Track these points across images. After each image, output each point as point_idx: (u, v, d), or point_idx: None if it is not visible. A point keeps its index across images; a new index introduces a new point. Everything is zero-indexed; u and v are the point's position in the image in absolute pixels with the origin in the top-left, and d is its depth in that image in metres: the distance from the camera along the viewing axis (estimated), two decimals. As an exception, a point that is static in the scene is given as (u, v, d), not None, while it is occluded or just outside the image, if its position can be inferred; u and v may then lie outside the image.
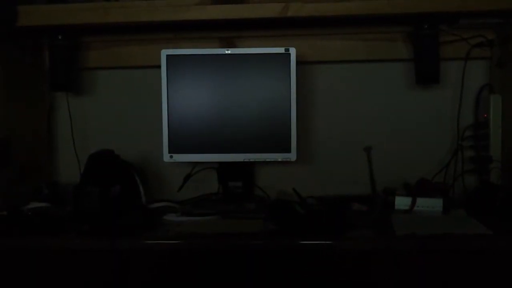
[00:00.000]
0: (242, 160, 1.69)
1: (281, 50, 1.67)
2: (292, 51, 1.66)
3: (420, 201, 1.54)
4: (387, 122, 1.81)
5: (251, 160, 1.69)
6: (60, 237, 1.38)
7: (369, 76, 1.81)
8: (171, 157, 1.70)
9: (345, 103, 1.83)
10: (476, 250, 1.31)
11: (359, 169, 1.81)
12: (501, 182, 1.67)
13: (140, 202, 1.61)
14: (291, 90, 1.66)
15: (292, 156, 1.68)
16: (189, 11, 1.60)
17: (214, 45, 1.80)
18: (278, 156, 1.68)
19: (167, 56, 1.68)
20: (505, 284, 1.30)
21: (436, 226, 1.38)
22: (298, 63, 1.67)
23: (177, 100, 1.69)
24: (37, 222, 1.45)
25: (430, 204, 1.54)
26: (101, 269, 1.36)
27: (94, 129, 1.88)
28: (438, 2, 1.54)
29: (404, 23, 1.72)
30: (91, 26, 1.68)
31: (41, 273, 1.37)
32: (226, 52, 1.69)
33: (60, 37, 1.74)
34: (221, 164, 1.76)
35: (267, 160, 1.70)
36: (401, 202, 1.55)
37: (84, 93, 1.89)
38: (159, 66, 1.69)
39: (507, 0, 1.52)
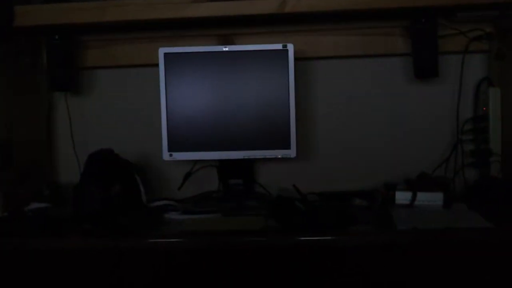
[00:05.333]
0: (242, 157, 1.69)
1: (279, 46, 1.66)
2: (290, 47, 1.66)
3: (421, 195, 1.54)
4: (386, 117, 1.81)
5: (251, 157, 1.69)
6: (62, 237, 1.38)
7: (368, 71, 1.81)
8: (170, 155, 1.70)
9: (344, 98, 1.82)
10: (476, 243, 1.31)
11: (359, 164, 1.81)
12: (501, 175, 1.67)
13: (141, 201, 1.61)
14: (290, 87, 1.66)
15: (292, 152, 1.68)
16: (186, 8, 1.60)
17: (212, 42, 1.80)
18: (278, 153, 1.68)
19: (165, 54, 1.68)
20: (505, 277, 1.30)
21: (436, 220, 1.38)
22: (296, 59, 1.67)
23: (175, 98, 1.69)
24: (38, 223, 1.46)
25: (430, 198, 1.53)
26: (103, 269, 1.36)
27: (93, 129, 1.88)
28: (436, -5, 1.54)
29: (402, 17, 1.72)
30: (89, 25, 1.67)
31: (43, 273, 1.37)
32: (224, 49, 1.68)
33: (57, 37, 1.74)
34: (221, 161, 1.76)
35: (267, 157, 1.70)
36: (402, 196, 1.55)
37: (82, 93, 1.88)
38: (157, 65, 1.68)
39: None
